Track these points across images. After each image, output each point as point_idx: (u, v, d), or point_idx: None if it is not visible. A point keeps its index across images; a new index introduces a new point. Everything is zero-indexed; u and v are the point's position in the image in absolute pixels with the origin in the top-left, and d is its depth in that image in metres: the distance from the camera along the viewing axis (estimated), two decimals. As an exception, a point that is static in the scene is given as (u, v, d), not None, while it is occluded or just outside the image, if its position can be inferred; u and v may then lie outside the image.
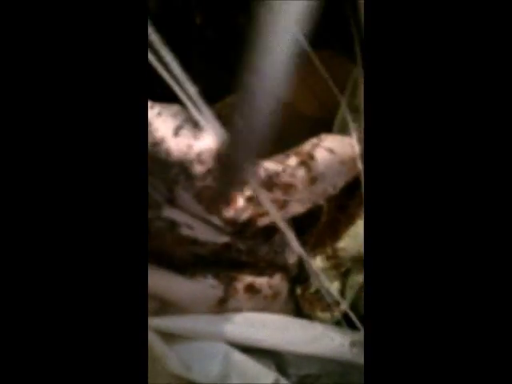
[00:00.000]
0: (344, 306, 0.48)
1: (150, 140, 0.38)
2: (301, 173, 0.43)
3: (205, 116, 0.32)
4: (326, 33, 0.44)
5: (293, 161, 0.43)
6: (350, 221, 0.48)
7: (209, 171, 0.40)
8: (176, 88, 0.31)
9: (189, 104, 0.31)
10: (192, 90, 0.31)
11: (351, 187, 0.49)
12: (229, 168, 0.32)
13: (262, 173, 0.42)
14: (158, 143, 0.38)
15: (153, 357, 0.34)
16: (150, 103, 0.38)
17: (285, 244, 0.48)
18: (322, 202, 0.46)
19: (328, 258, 0.47)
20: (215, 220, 0.44)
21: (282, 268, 0.50)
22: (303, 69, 0.44)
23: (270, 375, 0.42)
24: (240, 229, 0.45)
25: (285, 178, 0.42)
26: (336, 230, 0.49)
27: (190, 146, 0.39)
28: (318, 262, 0.48)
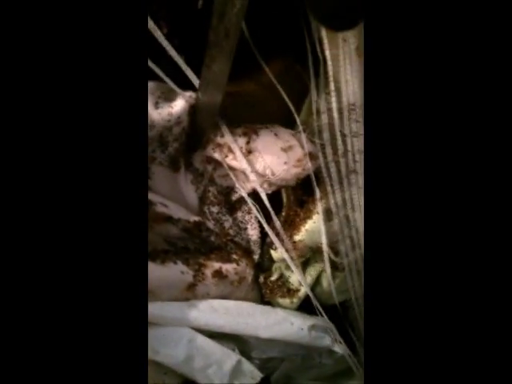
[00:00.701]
0: (303, 292, 0.52)
1: None
2: (240, 141, 0.48)
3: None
4: (281, 41, 0.48)
5: (239, 131, 0.49)
6: (308, 215, 0.51)
7: (183, 129, 0.47)
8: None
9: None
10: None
11: (308, 184, 0.53)
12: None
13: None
14: None
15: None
16: None
17: (247, 220, 0.54)
18: (258, 182, 0.49)
19: (287, 250, 0.51)
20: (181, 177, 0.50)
21: (248, 254, 0.54)
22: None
23: (232, 357, 0.45)
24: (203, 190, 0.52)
25: (228, 143, 0.48)
26: (294, 224, 0.52)
27: (169, 113, 0.44)
28: (279, 254, 0.51)
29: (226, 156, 0.49)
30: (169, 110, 0.45)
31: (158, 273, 0.46)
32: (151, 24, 0.40)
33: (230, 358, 0.45)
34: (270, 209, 0.49)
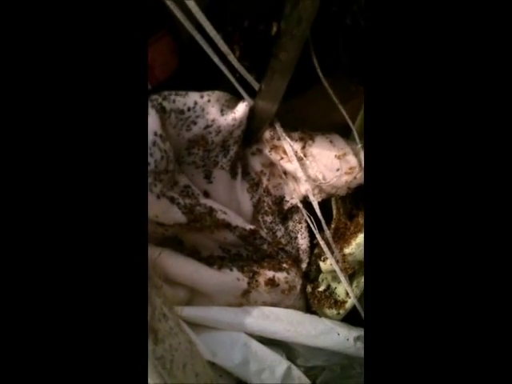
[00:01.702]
0: (350, 304, 0.54)
1: (204, 123, 0.45)
2: (296, 145, 0.50)
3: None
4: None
5: (296, 135, 0.51)
6: (359, 229, 0.53)
7: (242, 132, 0.49)
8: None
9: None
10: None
11: (358, 197, 0.55)
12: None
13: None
14: (210, 125, 0.46)
15: (189, 342, 0.39)
16: (199, 93, 0.45)
17: (298, 230, 0.57)
18: (310, 187, 0.51)
19: (337, 261, 0.52)
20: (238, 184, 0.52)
21: (297, 263, 0.56)
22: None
23: (283, 363, 0.47)
24: (258, 203, 0.54)
25: (283, 146, 0.50)
26: (345, 237, 0.54)
27: (234, 118, 0.47)
28: (327, 265, 0.53)
29: (282, 158, 0.51)
30: (232, 115, 0.47)
31: (215, 278, 0.48)
32: (225, 48, 0.42)
33: (281, 363, 0.47)
34: (322, 218, 0.51)
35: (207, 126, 0.46)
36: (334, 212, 0.56)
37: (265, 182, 0.54)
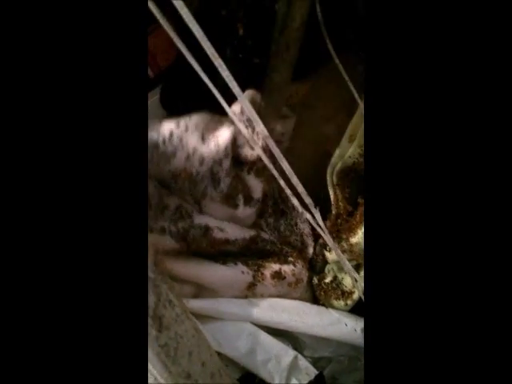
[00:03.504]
0: (358, 294, 0.53)
1: (183, 154, 0.42)
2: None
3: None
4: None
5: None
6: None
7: (233, 161, 0.45)
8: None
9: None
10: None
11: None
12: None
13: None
14: (191, 154, 0.42)
15: (196, 330, 0.39)
16: (174, 120, 0.42)
17: (295, 216, 0.55)
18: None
19: (343, 251, 0.52)
20: (241, 211, 0.49)
21: (303, 255, 0.56)
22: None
23: (290, 352, 0.47)
24: (262, 208, 0.52)
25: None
26: (351, 225, 0.53)
27: (217, 145, 0.43)
28: (333, 255, 0.52)
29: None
30: (215, 141, 0.44)
31: (219, 272, 0.48)
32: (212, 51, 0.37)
33: (287, 353, 0.47)
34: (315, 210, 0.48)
35: (188, 157, 0.42)
36: (332, 197, 0.55)
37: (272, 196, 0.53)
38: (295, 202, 0.46)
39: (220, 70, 0.36)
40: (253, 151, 0.46)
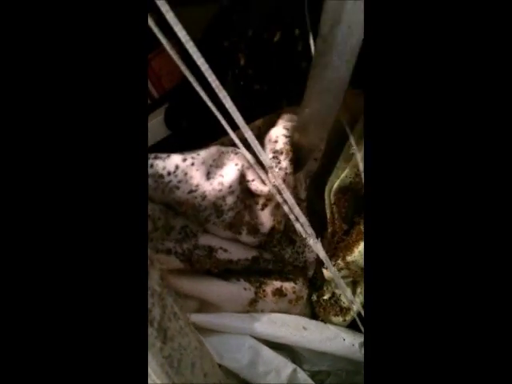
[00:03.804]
0: (355, 309, 0.55)
1: (187, 188, 0.43)
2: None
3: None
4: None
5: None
6: (361, 237, 0.54)
7: (237, 198, 0.46)
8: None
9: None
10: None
11: (360, 204, 0.56)
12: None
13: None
14: (194, 190, 0.43)
15: (199, 342, 0.41)
16: (182, 155, 0.43)
17: (304, 244, 0.56)
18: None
19: (340, 269, 0.54)
20: (243, 238, 0.51)
21: (303, 273, 0.57)
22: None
23: (289, 365, 0.49)
24: (267, 240, 0.53)
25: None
26: (348, 244, 0.55)
27: (221, 183, 0.44)
28: (329, 273, 0.54)
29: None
30: (219, 179, 0.44)
31: (222, 288, 0.50)
32: (217, 83, 0.38)
33: (287, 366, 0.49)
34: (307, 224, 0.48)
35: (191, 191, 0.43)
36: (328, 216, 0.56)
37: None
38: (301, 229, 0.49)
39: (224, 101, 0.37)
40: (263, 186, 0.47)
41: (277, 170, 0.47)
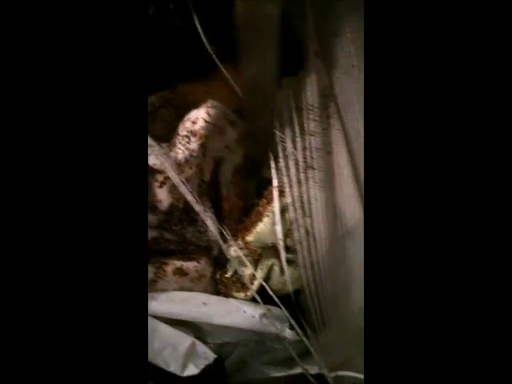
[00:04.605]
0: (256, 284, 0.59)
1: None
2: None
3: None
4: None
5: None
6: (259, 218, 0.58)
7: None
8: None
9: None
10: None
11: (260, 187, 0.60)
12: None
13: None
14: None
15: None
16: None
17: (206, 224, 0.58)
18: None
19: (240, 249, 0.58)
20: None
21: (207, 252, 0.60)
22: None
23: (187, 339, 0.52)
24: (166, 218, 0.55)
25: None
26: (247, 225, 0.59)
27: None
28: (232, 252, 0.58)
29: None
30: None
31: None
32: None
33: (184, 340, 0.52)
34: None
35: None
36: (225, 194, 0.60)
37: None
38: (198, 208, 0.52)
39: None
40: (157, 161, 0.50)
41: (183, 148, 0.50)
